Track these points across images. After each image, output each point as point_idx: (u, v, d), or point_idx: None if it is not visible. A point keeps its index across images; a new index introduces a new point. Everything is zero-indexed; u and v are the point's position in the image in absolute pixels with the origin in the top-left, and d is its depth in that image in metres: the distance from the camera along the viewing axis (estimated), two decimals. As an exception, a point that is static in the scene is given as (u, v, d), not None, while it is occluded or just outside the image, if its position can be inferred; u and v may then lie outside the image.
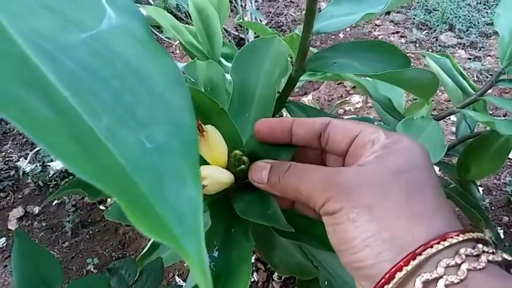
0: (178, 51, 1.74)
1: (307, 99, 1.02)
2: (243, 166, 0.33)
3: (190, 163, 0.17)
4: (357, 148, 0.26)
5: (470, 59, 1.65)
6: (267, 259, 0.57)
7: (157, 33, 1.43)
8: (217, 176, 0.32)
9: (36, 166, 1.26)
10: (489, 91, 0.60)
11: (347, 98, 1.14)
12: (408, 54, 1.71)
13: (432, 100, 0.98)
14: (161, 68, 0.20)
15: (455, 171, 0.73)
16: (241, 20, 1.22)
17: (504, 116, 1.33)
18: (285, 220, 0.30)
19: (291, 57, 0.80)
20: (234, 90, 0.48)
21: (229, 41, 1.64)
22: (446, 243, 0.21)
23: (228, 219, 0.35)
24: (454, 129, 1.21)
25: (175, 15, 1.65)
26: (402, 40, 1.83)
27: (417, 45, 1.79)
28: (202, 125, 0.32)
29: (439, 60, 0.69)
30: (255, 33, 1.37)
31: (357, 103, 1.09)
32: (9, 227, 1.13)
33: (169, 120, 0.18)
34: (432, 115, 0.69)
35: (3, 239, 1.09)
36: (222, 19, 0.76)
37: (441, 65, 0.70)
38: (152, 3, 1.58)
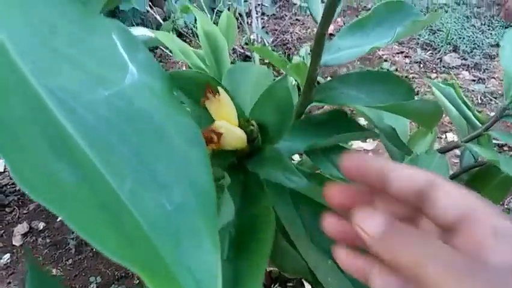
0: (184, 68, 1.76)
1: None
2: (252, 127, 0.37)
3: (209, 225, 0.18)
4: (473, 231, 0.22)
5: (474, 80, 1.66)
6: (274, 263, 0.57)
7: (168, 52, 1.45)
8: (232, 128, 0.35)
9: (42, 181, 1.27)
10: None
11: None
12: (412, 75, 1.73)
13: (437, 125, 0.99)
14: (180, 125, 0.21)
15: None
16: (248, 41, 1.24)
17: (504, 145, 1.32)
18: (295, 169, 0.32)
19: (298, 86, 0.81)
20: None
21: (234, 59, 1.66)
22: None
23: (243, 181, 0.39)
24: (457, 151, 1.22)
25: (183, 35, 1.68)
26: (407, 60, 1.85)
27: (421, 65, 1.80)
28: (214, 88, 0.35)
29: (444, 89, 0.70)
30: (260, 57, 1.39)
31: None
32: (13, 243, 1.13)
33: (188, 181, 0.19)
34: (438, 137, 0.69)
35: (8, 255, 1.10)
36: (230, 43, 0.77)
37: (445, 94, 0.71)
38: (162, 22, 1.60)
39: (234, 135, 0.34)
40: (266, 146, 0.37)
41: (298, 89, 1.01)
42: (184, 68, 1.77)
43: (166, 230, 0.17)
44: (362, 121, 1.17)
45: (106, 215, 0.15)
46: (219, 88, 0.34)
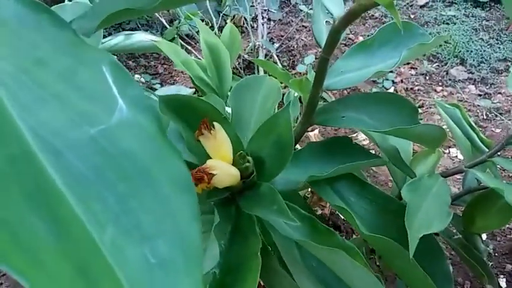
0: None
1: (313, 134, 1.02)
2: (247, 164, 0.36)
3: (194, 282, 0.17)
4: None
5: (480, 95, 1.65)
6: (268, 286, 0.56)
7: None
8: (225, 167, 0.35)
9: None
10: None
11: (354, 135, 1.14)
12: (417, 87, 1.71)
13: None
14: (170, 170, 0.20)
15: (460, 222, 0.72)
16: (253, 48, 1.23)
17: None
18: (290, 214, 0.32)
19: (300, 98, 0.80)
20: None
21: (238, 63, 1.65)
22: None
23: (234, 217, 0.38)
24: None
25: (186, 42, 1.67)
26: (412, 72, 1.84)
27: (427, 77, 1.79)
28: (209, 123, 0.34)
29: (449, 110, 0.69)
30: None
31: (363, 140, 1.09)
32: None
33: (174, 233, 0.18)
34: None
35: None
36: (233, 56, 0.76)
37: (450, 115, 0.70)
38: (167, 26, 1.60)
39: (226, 175, 0.34)
40: (261, 184, 0.36)
41: (300, 100, 1.01)
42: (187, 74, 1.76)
43: (147, 287, 0.16)
44: (363, 135, 1.16)
45: (82, 283, 0.15)
46: (215, 124, 0.34)
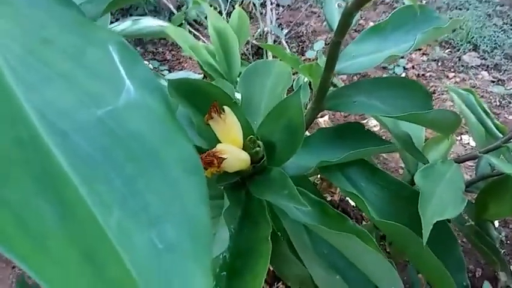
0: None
1: (323, 121, 1.01)
2: (258, 148, 0.36)
3: (203, 270, 0.16)
4: None
5: (493, 81, 1.62)
6: (278, 272, 0.56)
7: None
8: (235, 151, 0.35)
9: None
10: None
11: (365, 121, 1.13)
12: (429, 73, 1.69)
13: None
14: (178, 152, 0.19)
15: (473, 208, 0.71)
16: (262, 33, 1.22)
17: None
18: (301, 198, 0.32)
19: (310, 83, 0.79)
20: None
21: (247, 49, 1.64)
22: None
23: (244, 202, 0.38)
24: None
25: (194, 28, 1.66)
26: (424, 58, 1.81)
27: (439, 63, 1.76)
28: (219, 107, 0.34)
29: (462, 95, 0.68)
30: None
31: (374, 126, 1.07)
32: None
33: (182, 215, 0.17)
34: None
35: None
36: (242, 41, 0.75)
37: (464, 100, 0.69)
38: (175, 11, 1.58)
39: (236, 159, 0.33)
40: (272, 169, 0.35)
41: (310, 86, 1.00)
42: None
43: (154, 273, 0.16)
44: (374, 121, 1.15)
45: (89, 268, 0.14)
46: (225, 108, 0.33)
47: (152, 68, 1.58)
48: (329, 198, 0.90)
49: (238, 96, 0.56)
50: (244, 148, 0.36)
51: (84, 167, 0.17)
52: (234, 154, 0.34)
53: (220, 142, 0.35)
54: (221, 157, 0.32)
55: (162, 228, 0.17)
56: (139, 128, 0.19)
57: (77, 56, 0.21)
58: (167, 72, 1.58)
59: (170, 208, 0.17)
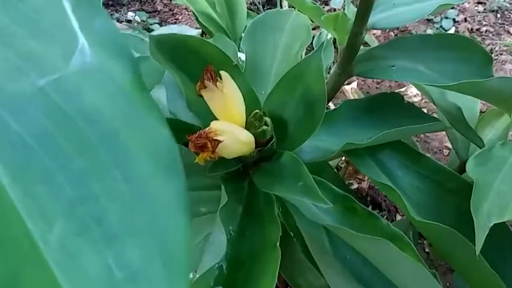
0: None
1: (350, 89, 0.98)
2: (265, 127, 0.34)
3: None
4: None
5: None
6: (290, 281, 0.56)
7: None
8: (235, 131, 0.33)
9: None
10: None
11: (403, 89, 1.10)
12: (485, 28, 1.64)
13: None
14: (148, 139, 0.17)
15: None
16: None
17: None
18: (319, 192, 0.30)
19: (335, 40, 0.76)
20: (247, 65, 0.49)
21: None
22: None
23: (247, 197, 0.37)
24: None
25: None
26: (480, 8, 1.75)
27: (498, 15, 1.71)
28: (215, 72, 0.32)
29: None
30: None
31: (414, 96, 1.04)
32: None
33: (151, 230, 0.15)
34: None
35: None
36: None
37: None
38: None
39: (237, 141, 0.31)
40: (283, 153, 0.33)
41: (335, 45, 0.97)
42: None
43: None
44: (414, 90, 1.11)
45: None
46: (223, 73, 0.31)
47: (139, 21, 1.55)
48: (355, 186, 0.89)
49: (242, 57, 0.54)
50: (247, 127, 0.34)
51: (15, 159, 0.16)
52: (233, 135, 0.32)
53: (217, 119, 0.34)
54: (216, 139, 0.30)
55: (122, 249, 0.15)
56: (94, 105, 0.17)
57: (15, 4, 0.19)
58: (158, 26, 1.55)
59: (135, 219, 0.15)
